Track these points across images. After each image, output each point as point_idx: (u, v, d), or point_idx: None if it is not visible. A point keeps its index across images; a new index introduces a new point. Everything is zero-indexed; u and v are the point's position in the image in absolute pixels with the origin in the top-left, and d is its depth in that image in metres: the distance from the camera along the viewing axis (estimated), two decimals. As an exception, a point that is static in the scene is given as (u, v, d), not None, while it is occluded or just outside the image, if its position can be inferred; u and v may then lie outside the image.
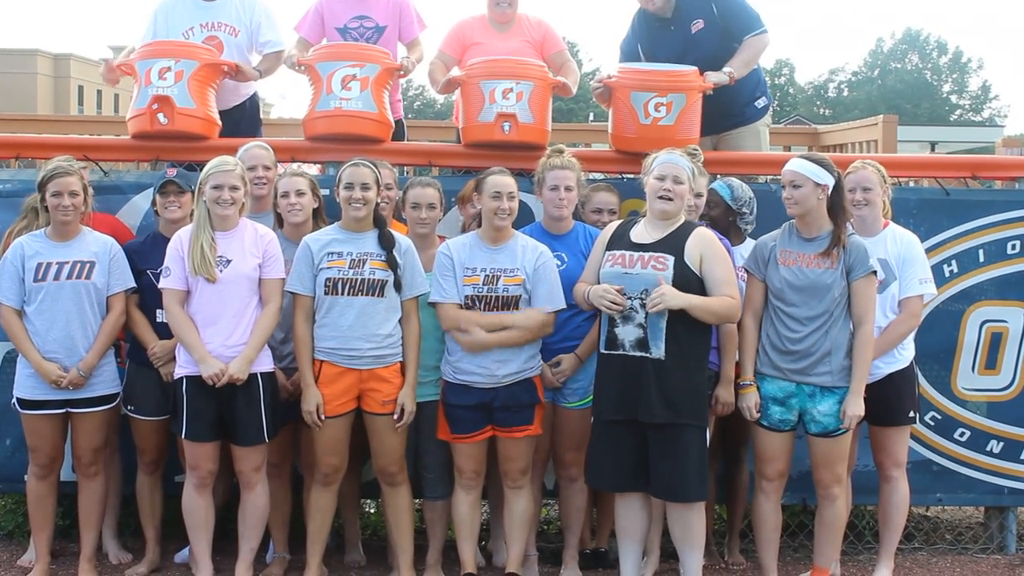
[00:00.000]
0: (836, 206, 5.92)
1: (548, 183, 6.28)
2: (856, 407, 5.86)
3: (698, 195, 6.26)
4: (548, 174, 6.28)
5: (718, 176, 6.68)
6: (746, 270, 6.05)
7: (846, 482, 6.23)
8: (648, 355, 5.65)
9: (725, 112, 7.38)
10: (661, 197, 5.76)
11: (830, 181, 5.90)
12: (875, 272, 5.93)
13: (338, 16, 7.80)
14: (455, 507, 6.19)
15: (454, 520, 6.23)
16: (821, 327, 5.86)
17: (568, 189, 6.26)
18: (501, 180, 6.04)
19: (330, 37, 7.69)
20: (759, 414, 5.98)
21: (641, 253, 5.75)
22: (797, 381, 5.91)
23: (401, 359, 6.00)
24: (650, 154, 5.97)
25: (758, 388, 5.99)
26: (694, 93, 6.97)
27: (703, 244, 5.74)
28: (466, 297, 5.96)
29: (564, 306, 6.05)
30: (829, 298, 5.86)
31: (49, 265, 6.05)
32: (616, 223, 6.08)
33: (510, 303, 5.96)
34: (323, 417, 5.91)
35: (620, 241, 5.86)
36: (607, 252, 5.85)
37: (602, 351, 5.81)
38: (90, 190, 6.30)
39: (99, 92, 64.85)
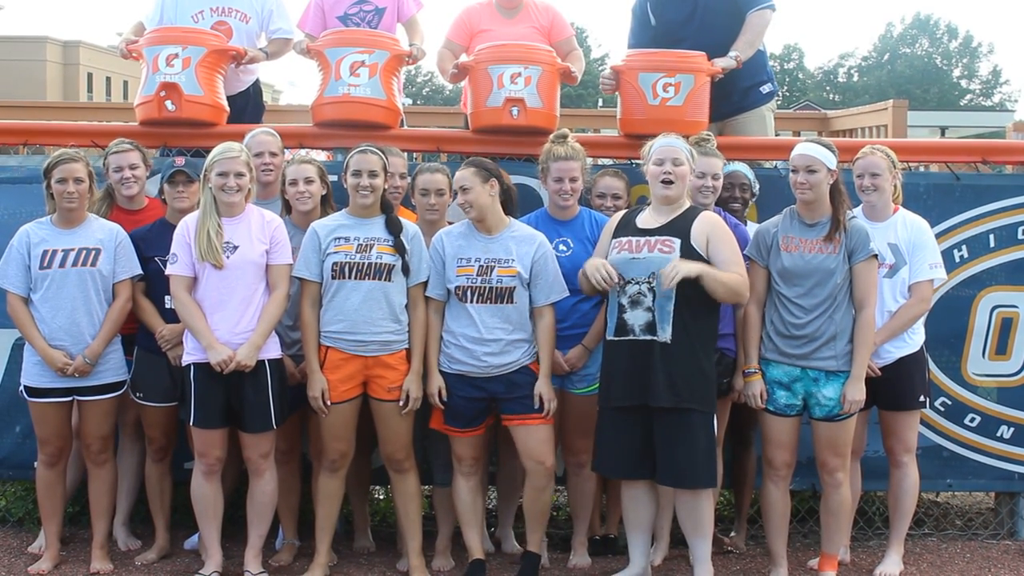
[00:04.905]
0: (835, 190, 5.93)
1: (553, 174, 6.25)
2: (856, 391, 5.85)
3: (715, 177, 6.26)
4: (553, 165, 6.25)
5: (729, 161, 6.65)
6: (748, 257, 6.02)
7: (850, 468, 6.19)
8: (656, 338, 5.65)
9: (727, 95, 7.35)
10: (663, 182, 5.76)
11: (836, 165, 5.91)
12: (876, 255, 5.93)
13: (338, 5, 7.79)
14: (456, 495, 6.16)
15: (456, 508, 6.20)
16: (825, 312, 5.85)
17: (573, 180, 6.24)
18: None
19: (332, 27, 7.64)
20: (764, 401, 5.97)
21: (647, 238, 5.76)
22: (802, 366, 5.90)
23: (407, 346, 6.00)
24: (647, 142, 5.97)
25: (763, 375, 5.99)
26: (702, 76, 6.95)
27: (709, 226, 5.74)
28: (459, 288, 5.95)
29: (566, 294, 6.03)
30: (832, 283, 5.85)
31: (55, 252, 6.05)
32: (622, 212, 6.08)
33: (504, 295, 5.93)
34: (329, 403, 5.92)
35: (626, 228, 5.86)
36: (613, 240, 5.85)
37: (610, 338, 5.80)
38: (139, 173, 6.43)
39: (108, 79, 64.79)
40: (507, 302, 5.94)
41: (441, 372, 6.01)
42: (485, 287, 5.93)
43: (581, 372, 6.24)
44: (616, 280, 5.68)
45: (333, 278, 5.92)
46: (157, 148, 7.15)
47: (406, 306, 5.99)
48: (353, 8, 7.79)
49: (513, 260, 5.95)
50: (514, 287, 5.94)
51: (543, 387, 5.96)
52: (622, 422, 5.77)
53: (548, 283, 5.98)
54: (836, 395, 5.87)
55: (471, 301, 5.94)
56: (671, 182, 5.76)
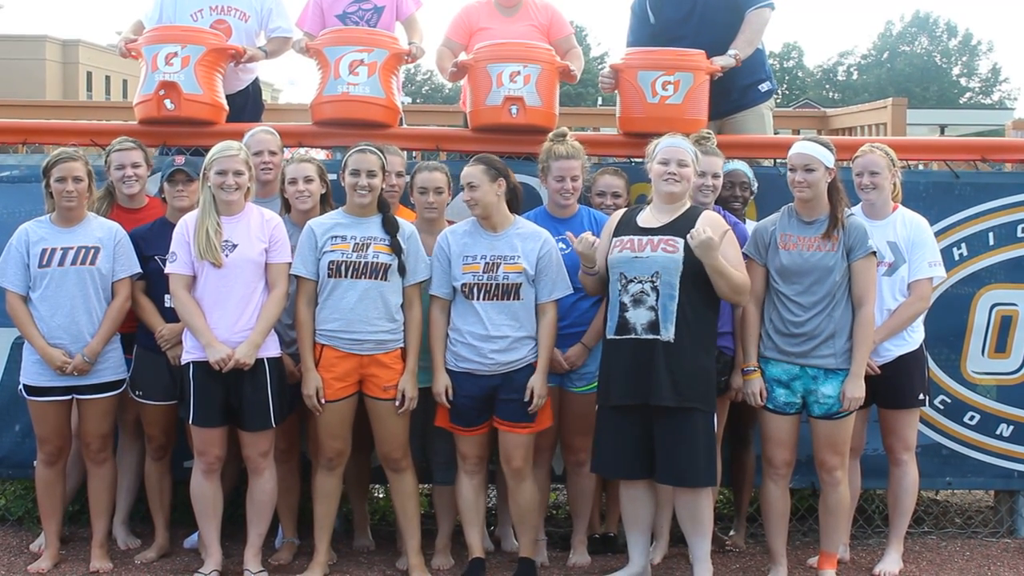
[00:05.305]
0: (833, 188, 5.93)
1: (554, 173, 6.25)
2: (856, 389, 5.85)
3: (715, 176, 6.26)
4: (554, 164, 6.25)
5: (729, 159, 6.65)
6: (746, 255, 6.00)
7: (850, 466, 6.19)
8: (659, 337, 5.64)
9: (726, 93, 7.33)
10: (667, 180, 5.76)
11: (833, 164, 5.90)
12: (874, 252, 5.93)
13: (337, 3, 7.78)
14: (459, 493, 6.17)
15: (459, 506, 6.21)
16: (824, 310, 5.84)
17: (574, 179, 6.24)
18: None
19: (331, 26, 7.64)
20: (763, 399, 5.97)
21: (650, 237, 5.74)
22: (801, 364, 5.90)
23: (403, 345, 6.00)
24: (652, 140, 5.96)
25: (762, 373, 5.98)
26: (701, 74, 6.94)
27: (713, 227, 5.71)
28: (465, 285, 5.94)
29: (570, 291, 6.03)
30: (831, 281, 5.84)
31: (54, 251, 6.05)
32: (622, 211, 6.07)
33: (510, 291, 5.93)
34: (323, 401, 5.92)
35: (627, 227, 5.84)
36: (614, 238, 5.83)
37: (611, 336, 5.79)
38: (141, 171, 6.43)
39: (107, 78, 64.74)
40: (514, 299, 5.94)
41: (448, 370, 6.01)
42: (491, 284, 5.93)
43: (580, 371, 6.24)
44: (592, 238, 5.74)
45: (329, 276, 5.91)
46: (156, 147, 7.14)
47: (402, 305, 5.99)
48: (352, 7, 7.78)
49: (519, 256, 5.94)
50: (520, 283, 5.93)
51: (538, 382, 5.95)
52: (621, 421, 5.76)
53: (552, 279, 5.98)
54: (835, 393, 5.86)
55: (478, 298, 5.93)
56: (677, 180, 5.76)
